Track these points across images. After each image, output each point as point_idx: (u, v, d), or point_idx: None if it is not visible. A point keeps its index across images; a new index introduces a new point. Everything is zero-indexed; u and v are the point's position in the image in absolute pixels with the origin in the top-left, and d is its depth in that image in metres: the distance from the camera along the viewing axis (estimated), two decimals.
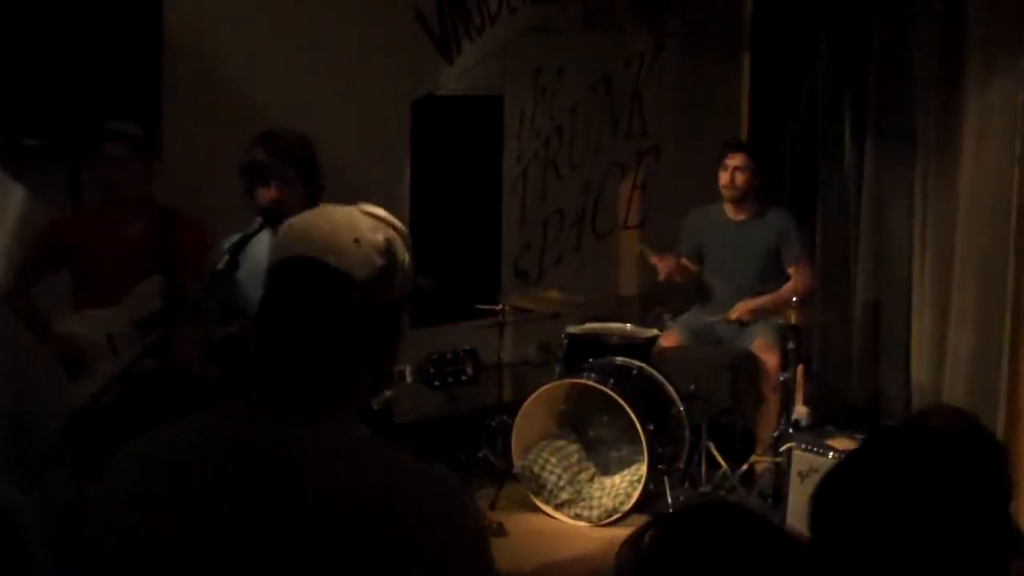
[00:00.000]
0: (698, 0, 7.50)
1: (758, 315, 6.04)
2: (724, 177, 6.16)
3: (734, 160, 6.13)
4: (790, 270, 6.18)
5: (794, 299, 5.83)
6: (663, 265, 6.16)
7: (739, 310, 6.04)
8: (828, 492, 1.60)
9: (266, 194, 4.07)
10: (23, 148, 4.57)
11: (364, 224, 1.75)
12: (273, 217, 4.09)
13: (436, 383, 4.71)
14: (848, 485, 1.56)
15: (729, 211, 6.27)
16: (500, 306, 5.98)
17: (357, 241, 1.72)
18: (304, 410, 1.70)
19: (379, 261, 1.72)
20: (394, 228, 1.79)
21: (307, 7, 5.72)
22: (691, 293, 6.49)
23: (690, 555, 1.53)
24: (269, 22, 5.57)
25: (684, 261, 6.30)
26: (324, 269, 1.69)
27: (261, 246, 4.15)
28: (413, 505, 1.64)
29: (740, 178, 6.12)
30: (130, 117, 4.68)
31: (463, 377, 5.14)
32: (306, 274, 1.70)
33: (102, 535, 1.74)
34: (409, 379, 3.99)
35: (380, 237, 1.74)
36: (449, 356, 4.20)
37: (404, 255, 1.77)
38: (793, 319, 5.76)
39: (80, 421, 4.21)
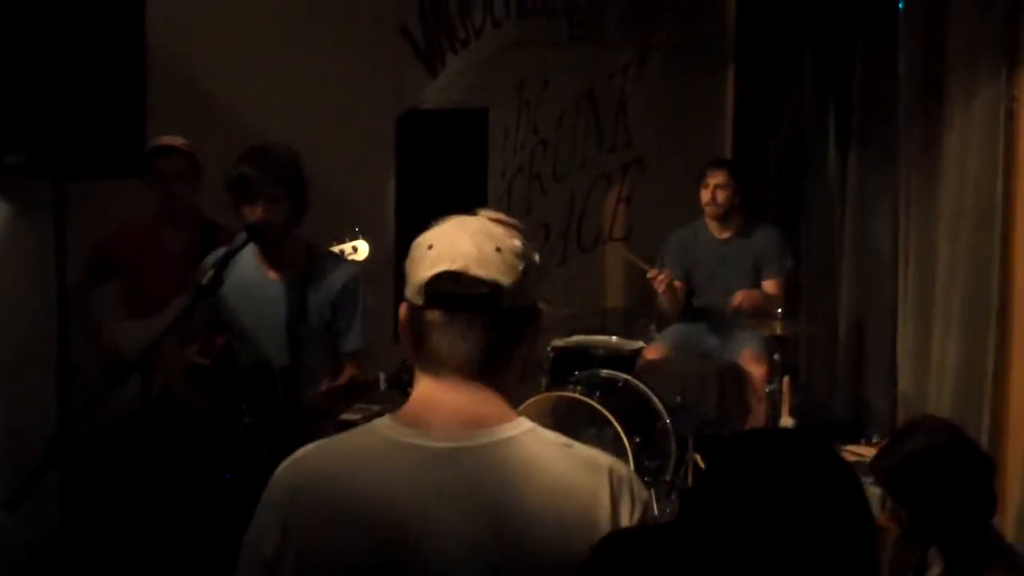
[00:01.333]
0: (683, 13, 7.52)
1: (755, 308, 6.02)
2: (705, 195, 6.18)
3: (715, 178, 6.15)
4: (764, 284, 6.19)
5: (779, 311, 5.85)
6: (662, 278, 6.15)
7: (737, 298, 6.04)
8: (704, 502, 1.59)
9: (251, 212, 4.07)
10: (6, 165, 4.55)
11: (498, 232, 1.84)
12: (257, 233, 4.09)
13: (408, 390, 4.71)
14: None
15: (714, 229, 6.28)
16: None
17: (498, 250, 1.80)
18: (480, 421, 1.79)
19: (520, 265, 1.80)
20: (521, 232, 1.87)
21: (291, 21, 5.72)
22: (675, 311, 6.49)
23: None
24: (253, 36, 5.56)
25: (675, 283, 6.30)
26: (477, 280, 1.77)
27: (245, 261, 4.16)
28: (603, 481, 1.76)
29: (721, 195, 6.14)
30: (114, 133, 4.68)
31: None
32: (461, 287, 1.77)
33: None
34: (383, 387, 3.99)
35: (517, 243, 1.83)
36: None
37: (536, 254, 1.86)
38: (779, 330, 5.77)
39: (66, 440, 4.21)
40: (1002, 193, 5.72)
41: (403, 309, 1.85)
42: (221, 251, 4.09)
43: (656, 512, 5.46)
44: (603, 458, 1.82)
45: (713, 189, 6.15)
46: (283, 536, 1.78)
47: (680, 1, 7.51)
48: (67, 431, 4.25)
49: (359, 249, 4.56)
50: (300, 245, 4.20)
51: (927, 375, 6.21)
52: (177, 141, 4.76)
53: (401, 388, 4.05)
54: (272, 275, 4.22)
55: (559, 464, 1.77)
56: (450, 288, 1.77)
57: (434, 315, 1.79)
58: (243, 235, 4.08)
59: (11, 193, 4.83)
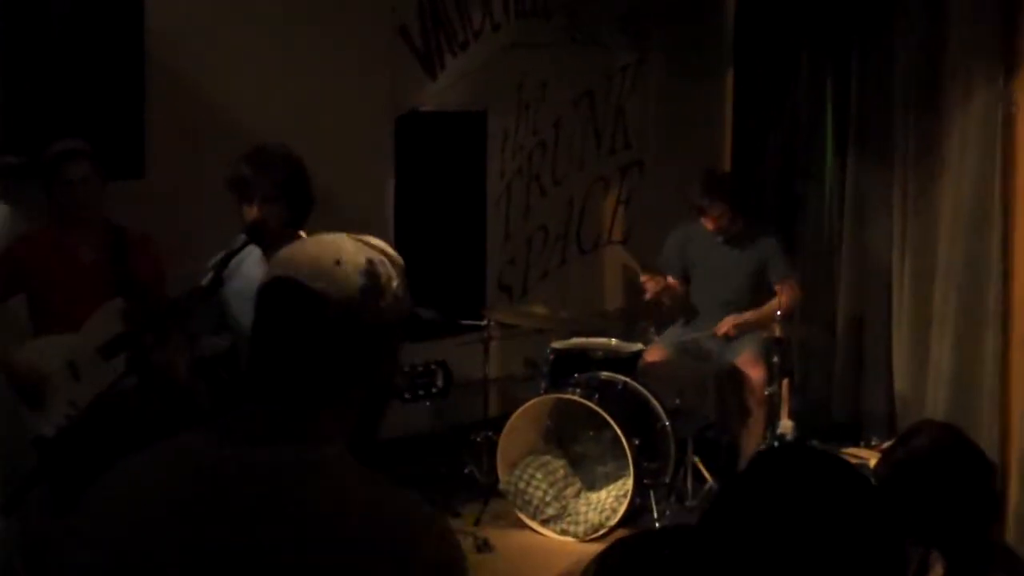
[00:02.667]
0: (681, 16, 7.52)
1: (743, 329, 6.06)
2: (708, 223, 6.16)
3: (714, 210, 6.12)
4: (777, 287, 6.18)
5: (778, 314, 5.84)
6: (652, 284, 6.15)
7: (725, 324, 6.06)
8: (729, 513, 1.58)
9: (248, 212, 4.06)
10: (5, 166, 4.55)
11: (348, 246, 1.77)
12: (257, 234, 4.08)
13: (406, 395, 4.70)
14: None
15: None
16: (485, 322, 5.97)
17: (338, 262, 1.73)
18: (286, 433, 1.70)
19: (360, 281, 1.73)
20: (384, 254, 1.79)
21: (290, 24, 5.72)
22: (676, 309, 6.49)
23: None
24: (252, 39, 5.56)
25: (671, 281, 6.30)
26: (301, 289, 1.71)
27: (252, 263, 4.14)
28: (386, 532, 1.64)
29: (724, 221, 6.13)
30: (113, 135, 4.68)
31: (433, 389, 5.13)
32: (285, 295, 1.72)
33: (78, 563, 1.74)
34: None
35: (362, 258, 1.75)
36: (420, 369, 4.18)
37: (391, 278, 1.77)
38: (778, 333, 5.77)
39: (57, 446, 4.20)
40: (1000, 195, 5.72)
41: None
42: (222, 253, 4.07)
43: (655, 515, 5.47)
44: (402, 504, 1.71)
45: (715, 220, 6.13)
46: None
47: (678, 3, 7.51)
48: (59, 437, 4.23)
49: None
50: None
51: (925, 378, 6.21)
52: (77, 143, 4.45)
53: (397, 394, 4.03)
54: None
55: (352, 505, 1.68)
56: (277, 299, 1.74)
57: (259, 328, 1.76)
58: (242, 236, 4.07)
59: (9, 194, 4.83)
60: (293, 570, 1.61)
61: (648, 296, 6.20)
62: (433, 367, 4.70)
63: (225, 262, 4.02)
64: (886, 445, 3.89)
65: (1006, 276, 5.73)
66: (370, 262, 1.75)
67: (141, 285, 4.45)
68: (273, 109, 5.55)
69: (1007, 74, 5.70)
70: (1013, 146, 5.71)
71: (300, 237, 4.17)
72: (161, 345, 3.99)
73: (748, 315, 6.11)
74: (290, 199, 4.09)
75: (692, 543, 1.55)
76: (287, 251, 1.80)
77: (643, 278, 6.20)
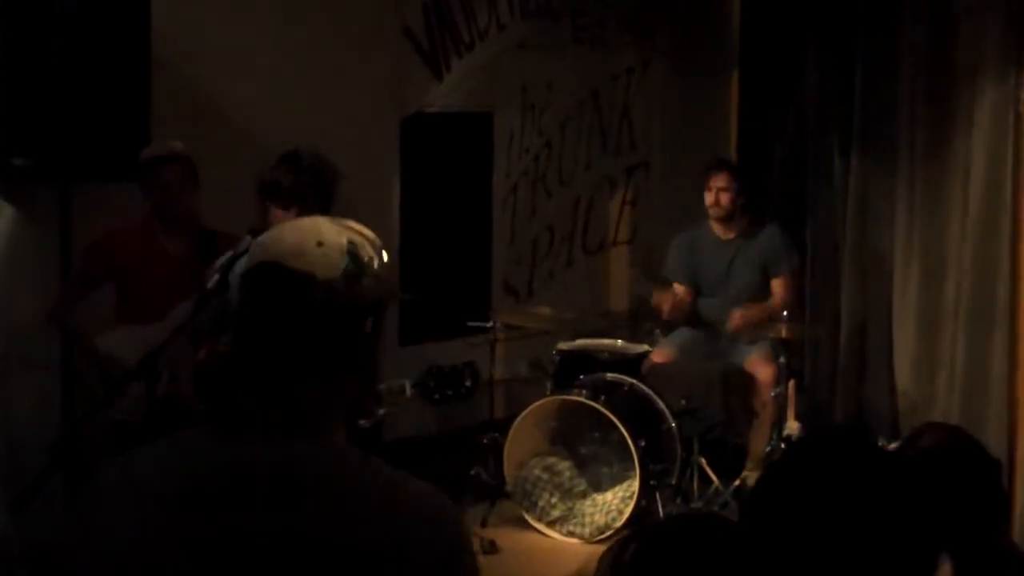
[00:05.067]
0: (686, 16, 7.52)
1: (752, 326, 6.03)
2: (709, 198, 6.18)
3: (717, 181, 6.15)
4: (774, 282, 6.18)
5: (783, 314, 5.83)
6: (666, 304, 6.15)
7: (734, 320, 6.04)
8: (765, 500, 1.58)
9: (282, 217, 4.04)
10: (13, 168, 4.55)
11: (328, 229, 1.77)
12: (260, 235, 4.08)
13: (436, 396, 4.69)
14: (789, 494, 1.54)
15: (718, 230, 6.27)
16: (491, 323, 5.97)
17: (320, 244, 1.74)
18: (280, 423, 1.71)
19: (342, 262, 1.74)
20: (362, 235, 1.80)
21: (296, 25, 5.72)
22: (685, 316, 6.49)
23: (671, 569, 1.53)
24: (257, 41, 5.57)
25: (680, 293, 6.29)
26: (286, 271, 1.72)
27: None
28: (399, 515, 1.66)
29: (725, 198, 6.14)
30: (119, 136, 4.68)
31: (462, 390, 5.13)
32: (270, 278, 1.74)
33: (81, 561, 1.75)
34: (408, 393, 3.95)
35: (343, 239, 1.76)
36: (448, 370, 4.19)
37: (372, 258, 1.77)
38: (784, 333, 5.76)
39: (68, 445, 4.21)
40: (1011, 194, 5.70)
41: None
42: (228, 254, 4.08)
43: (662, 516, 5.46)
44: (413, 487, 1.73)
45: (716, 192, 6.15)
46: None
47: (683, 4, 7.51)
48: (71, 435, 4.26)
49: None
50: None
51: (932, 379, 6.19)
52: (178, 147, 4.68)
53: (428, 395, 4.02)
54: None
55: (365, 492, 1.69)
56: (261, 280, 1.75)
57: (245, 311, 1.78)
58: (248, 238, 4.06)
59: (16, 196, 4.84)
60: (316, 562, 1.62)
61: (666, 316, 6.22)
62: (461, 367, 4.70)
63: (231, 264, 4.03)
64: (892, 446, 3.87)
65: (1016, 276, 5.72)
66: (351, 243, 1.76)
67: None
68: (278, 111, 5.55)
69: (1018, 73, 5.68)
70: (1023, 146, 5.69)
71: None
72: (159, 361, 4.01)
73: (754, 310, 6.09)
74: (324, 204, 4.07)
75: (735, 529, 1.54)
76: (267, 237, 1.81)
77: (656, 300, 6.21)
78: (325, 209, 4.10)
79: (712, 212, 6.20)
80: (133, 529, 1.69)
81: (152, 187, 4.63)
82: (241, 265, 4.01)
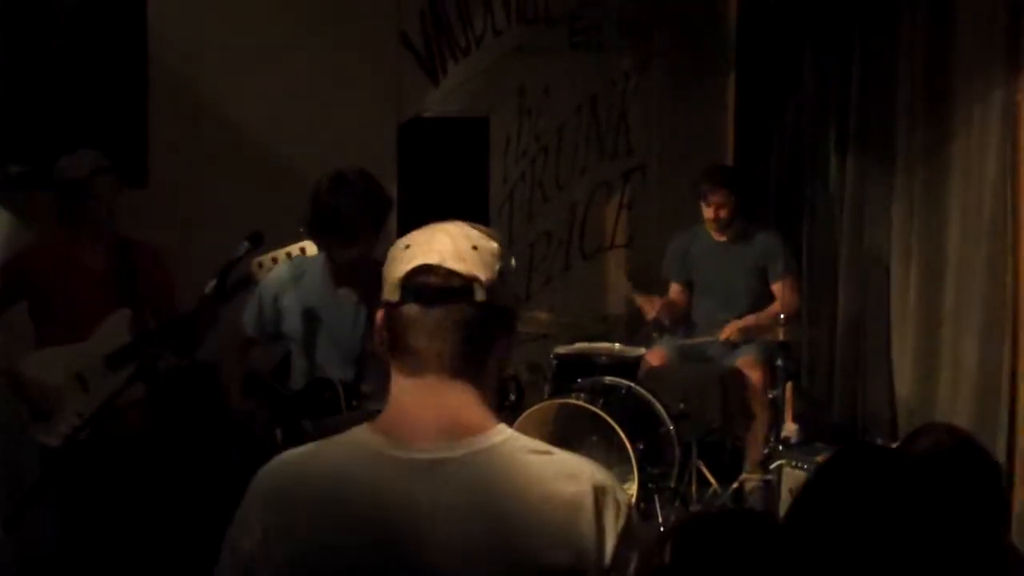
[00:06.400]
0: (682, 20, 7.52)
1: (747, 334, 6.05)
2: (708, 212, 6.19)
3: (715, 197, 6.14)
4: (774, 287, 6.19)
5: (781, 317, 5.84)
6: (648, 307, 6.18)
7: (728, 330, 6.05)
8: (808, 507, 1.59)
9: (349, 250, 3.85)
10: (9, 176, 4.56)
11: (475, 234, 1.87)
12: (258, 240, 4.07)
13: (506, 402, 4.65)
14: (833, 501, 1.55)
15: (713, 232, 6.28)
16: None
17: (475, 248, 1.83)
18: (448, 425, 1.78)
19: (497, 265, 1.83)
20: (498, 240, 1.89)
21: (292, 31, 5.73)
22: (678, 319, 6.49)
23: (712, 562, 1.53)
24: (254, 48, 5.57)
25: (671, 297, 6.32)
26: (450, 272, 1.79)
27: (312, 276, 4.09)
28: (587, 487, 1.76)
29: (724, 212, 6.15)
30: (116, 144, 4.68)
31: (506, 403, 5.12)
32: (438, 279, 1.80)
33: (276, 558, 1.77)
34: None
35: (494, 244, 1.86)
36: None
37: (512, 260, 1.88)
38: (781, 336, 5.77)
39: (63, 457, 4.19)
40: (1012, 194, 5.70)
41: (379, 313, 1.86)
42: (225, 260, 4.05)
43: (660, 519, 5.46)
44: (585, 464, 1.82)
45: (716, 208, 6.15)
46: (264, 537, 1.77)
47: (679, 8, 7.52)
48: (65, 446, 4.22)
49: (307, 250, 4.12)
50: (369, 262, 3.92)
51: (932, 380, 6.19)
52: (103, 158, 4.40)
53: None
54: (343, 291, 4.07)
55: (541, 472, 1.77)
56: (426, 280, 1.80)
57: (410, 309, 1.81)
58: (245, 244, 4.06)
59: (13, 202, 4.83)
60: (517, 555, 1.71)
61: (650, 318, 6.24)
62: (507, 380, 4.67)
63: (228, 269, 4.02)
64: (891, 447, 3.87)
65: (1016, 276, 5.71)
66: (501, 248, 1.86)
67: (148, 295, 4.43)
68: (276, 117, 5.55)
69: (1016, 73, 5.68)
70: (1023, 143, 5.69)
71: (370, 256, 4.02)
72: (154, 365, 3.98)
73: (750, 319, 6.11)
74: (379, 224, 3.94)
75: (776, 532, 1.55)
76: (418, 241, 1.86)
77: (639, 301, 6.22)
78: (380, 227, 3.93)
79: (710, 225, 6.22)
80: (319, 531, 1.74)
81: (85, 199, 4.35)
82: (297, 275, 3.95)
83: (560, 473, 1.77)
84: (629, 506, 1.81)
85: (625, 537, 1.77)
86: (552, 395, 5.85)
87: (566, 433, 5.88)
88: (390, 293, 1.83)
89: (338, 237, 3.86)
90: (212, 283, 4.09)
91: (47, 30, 4.57)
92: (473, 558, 1.71)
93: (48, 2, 4.56)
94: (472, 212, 7.55)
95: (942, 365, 6.11)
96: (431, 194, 6.49)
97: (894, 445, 3.09)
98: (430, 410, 1.80)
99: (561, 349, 6.13)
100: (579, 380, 5.83)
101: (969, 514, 2.65)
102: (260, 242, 4.11)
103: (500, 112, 6.87)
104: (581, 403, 5.59)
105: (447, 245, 1.83)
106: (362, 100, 6.03)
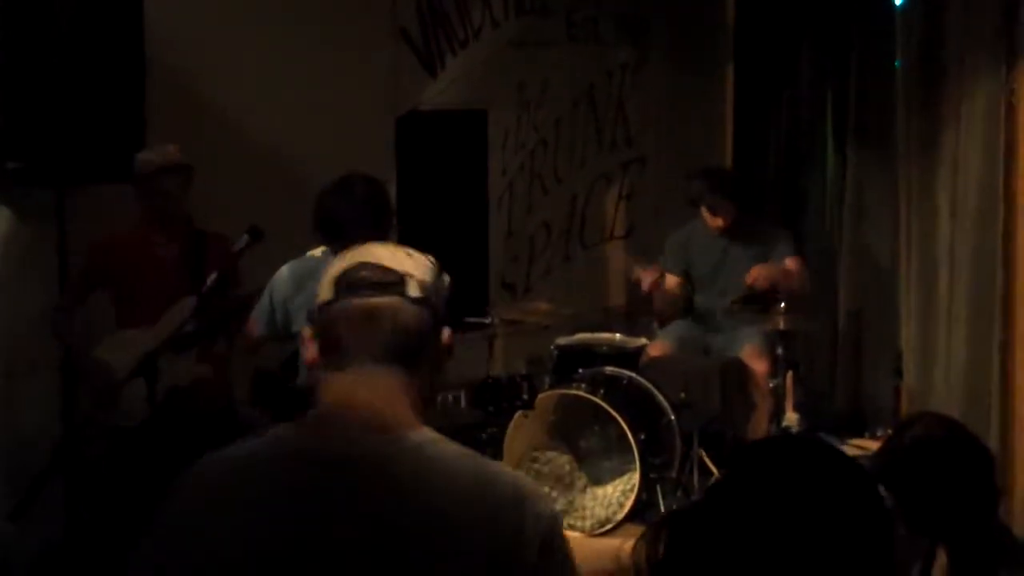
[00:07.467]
0: (681, 12, 7.53)
1: (771, 280, 5.99)
2: (709, 219, 6.17)
3: (721, 210, 6.12)
4: (788, 261, 6.18)
5: (798, 282, 5.80)
6: (647, 276, 6.16)
7: (754, 274, 6.01)
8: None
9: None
10: (7, 172, 4.57)
11: (412, 250, 1.94)
12: (258, 233, 4.09)
13: (490, 408, 4.66)
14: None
15: (710, 224, 6.28)
16: (489, 319, 5.98)
17: (409, 255, 1.90)
18: (370, 416, 1.79)
19: (431, 274, 1.90)
20: (432, 260, 1.95)
21: (289, 25, 5.73)
22: (674, 310, 6.50)
23: (704, 548, 1.54)
24: (251, 41, 5.57)
25: (670, 278, 6.31)
26: (385, 269, 1.85)
27: (321, 275, 4.10)
28: (493, 498, 1.74)
29: (728, 219, 6.14)
30: (114, 139, 4.70)
31: (518, 403, 5.13)
32: (372, 274, 1.85)
33: (172, 563, 1.76)
34: (464, 404, 3.83)
35: (430, 259, 1.94)
36: (505, 381, 4.16)
37: (446, 279, 1.94)
38: (781, 325, 5.78)
39: (67, 449, 4.22)
40: (1003, 187, 5.71)
41: (306, 330, 1.89)
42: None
43: (662, 509, 5.47)
44: (506, 472, 1.83)
45: (722, 218, 6.14)
46: (175, 532, 1.77)
47: (678, 0, 7.52)
48: (71, 438, 4.26)
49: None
50: None
51: (929, 370, 6.20)
52: (176, 155, 4.72)
53: (483, 406, 3.98)
54: None
55: (460, 475, 1.76)
56: (359, 274, 1.85)
57: (344, 304, 1.84)
58: (245, 237, 4.08)
59: (12, 199, 4.85)
60: (426, 559, 1.69)
61: (645, 289, 6.21)
62: (519, 379, 4.66)
63: (228, 263, 4.04)
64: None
65: (1011, 267, 5.72)
66: (433, 261, 1.94)
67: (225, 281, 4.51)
68: (274, 111, 5.56)
69: (1008, 65, 5.69)
70: (1015, 137, 5.69)
71: None
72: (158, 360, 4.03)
73: (774, 266, 6.07)
74: (383, 230, 3.95)
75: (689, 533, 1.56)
76: (356, 254, 1.90)
77: (637, 270, 6.21)
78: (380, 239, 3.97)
79: (713, 231, 6.21)
80: (224, 528, 1.73)
81: (153, 195, 4.68)
82: (306, 276, 3.97)
83: (479, 478, 1.76)
84: (552, 517, 1.80)
85: (547, 550, 1.75)
86: (553, 386, 5.86)
87: (567, 424, 5.90)
88: (325, 294, 1.86)
89: (338, 241, 3.87)
90: (214, 277, 4.13)
91: (46, 28, 4.58)
92: (383, 557, 1.69)
93: (47, 1, 4.57)
94: (471, 205, 7.63)
95: (938, 356, 6.12)
96: (430, 187, 6.50)
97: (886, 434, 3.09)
98: (356, 406, 1.80)
99: (562, 340, 6.13)
100: (580, 371, 5.84)
101: (963, 501, 2.67)
102: (260, 236, 4.13)
103: (499, 105, 6.87)
104: (582, 393, 5.60)
105: (381, 250, 1.90)
106: (360, 94, 6.04)
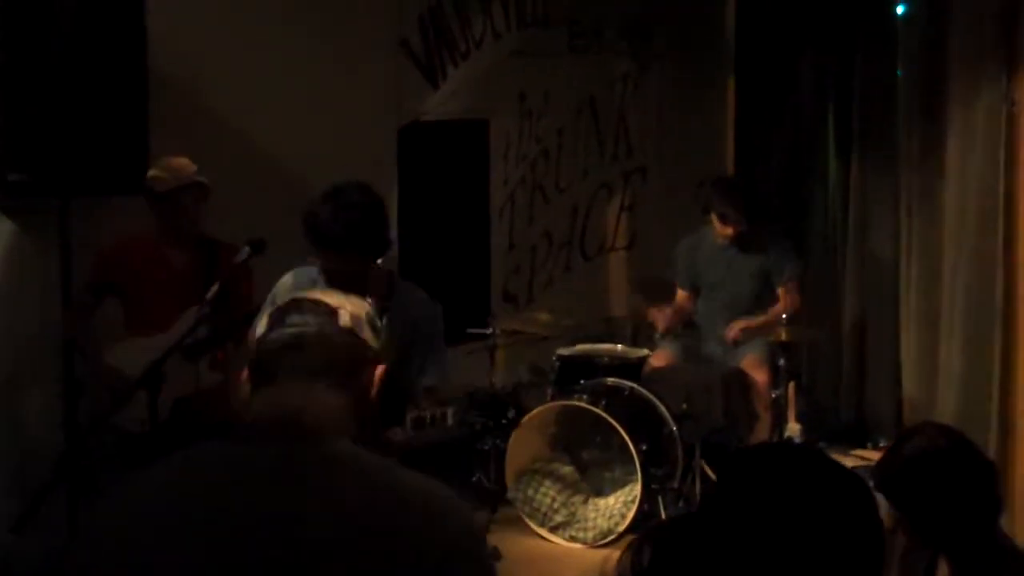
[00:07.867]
0: (682, 22, 7.54)
1: (751, 334, 6.07)
2: (720, 228, 6.17)
3: (732, 220, 6.12)
4: (779, 290, 6.20)
5: (783, 317, 5.85)
6: (661, 318, 6.20)
7: (734, 329, 6.07)
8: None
9: (337, 262, 3.74)
10: (10, 183, 4.57)
11: (351, 298, 2.05)
12: (259, 245, 4.09)
13: (476, 426, 4.63)
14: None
15: (719, 235, 6.29)
16: (490, 330, 5.98)
17: (347, 297, 2.03)
18: (287, 426, 1.82)
19: (366, 313, 2.01)
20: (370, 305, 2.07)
21: (292, 36, 5.74)
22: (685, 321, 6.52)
23: (688, 557, 1.54)
24: (255, 52, 5.58)
25: (679, 303, 6.34)
26: (320, 303, 1.98)
27: (318, 282, 4.08)
28: (423, 507, 1.77)
29: (740, 228, 6.14)
30: (118, 150, 4.70)
31: (503, 420, 5.10)
32: (303, 308, 1.97)
33: (104, 565, 1.77)
34: (451, 421, 3.74)
35: (368, 303, 2.06)
36: (488, 398, 4.13)
37: (378, 323, 2.03)
38: (784, 336, 5.78)
39: (71, 458, 4.23)
40: (1004, 196, 5.72)
41: (241, 374, 1.96)
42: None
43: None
44: (429, 482, 1.84)
45: (733, 228, 6.14)
46: (100, 541, 1.79)
47: (679, 10, 7.53)
48: (74, 448, 4.26)
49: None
50: (381, 274, 3.90)
51: (931, 379, 6.21)
52: (190, 172, 4.73)
53: (468, 424, 3.94)
54: None
55: (380, 485, 1.78)
56: (293, 307, 1.98)
57: (277, 333, 1.94)
58: (246, 249, 4.08)
59: (15, 211, 4.85)
60: (320, 557, 1.68)
61: (661, 330, 6.26)
62: (504, 396, 4.63)
63: (230, 275, 4.04)
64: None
65: (1011, 276, 5.73)
66: (369, 305, 2.05)
67: (225, 291, 4.49)
68: (276, 122, 5.56)
69: (1010, 73, 5.70)
70: (1017, 145, 5.70)
71: (381, 266, 3.97)
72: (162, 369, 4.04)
73: (756, 320, 6.12)
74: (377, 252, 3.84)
75: (684, 541, 1.56)
76: (296, 295, 2.07)
77: (652, 312, 6.24)
78: (372, 249, 3.79)
79: (722, 240, 6.21)
80: (146, 535, 1.74)
81: (168, 215, 4.73)
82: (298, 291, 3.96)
83: (399, 486, 1.79)
84: (473, 526, 1.84)
85: (467, 559, 1.76)
86: (554, 397, 5.86)
87: (569, 435, 5.90)
88: (260, 329, 1.97)
89: (323, 248, 3.77)
90: (214, 289, 4.13)
91: (48, 39, 4.58)
92: (299, 563, 1.69)
93: (48, 10, 4.57)
94: (473, 215, 7.64)
95: (940, 365, 6.12)
96: (431, 198, 6.50)
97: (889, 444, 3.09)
98: (278, 415, 1.84)
99: (563, 351, 6.13)
100: (581, 382, 5.84)
101: (965, 511, 2.67)
102: (262, 248, 4.13)
103: (500, 115, 6.88)
104: (583, 405, 5.60)
105: (321, 293, 2.04)
106: (362, 104, 6.05)
